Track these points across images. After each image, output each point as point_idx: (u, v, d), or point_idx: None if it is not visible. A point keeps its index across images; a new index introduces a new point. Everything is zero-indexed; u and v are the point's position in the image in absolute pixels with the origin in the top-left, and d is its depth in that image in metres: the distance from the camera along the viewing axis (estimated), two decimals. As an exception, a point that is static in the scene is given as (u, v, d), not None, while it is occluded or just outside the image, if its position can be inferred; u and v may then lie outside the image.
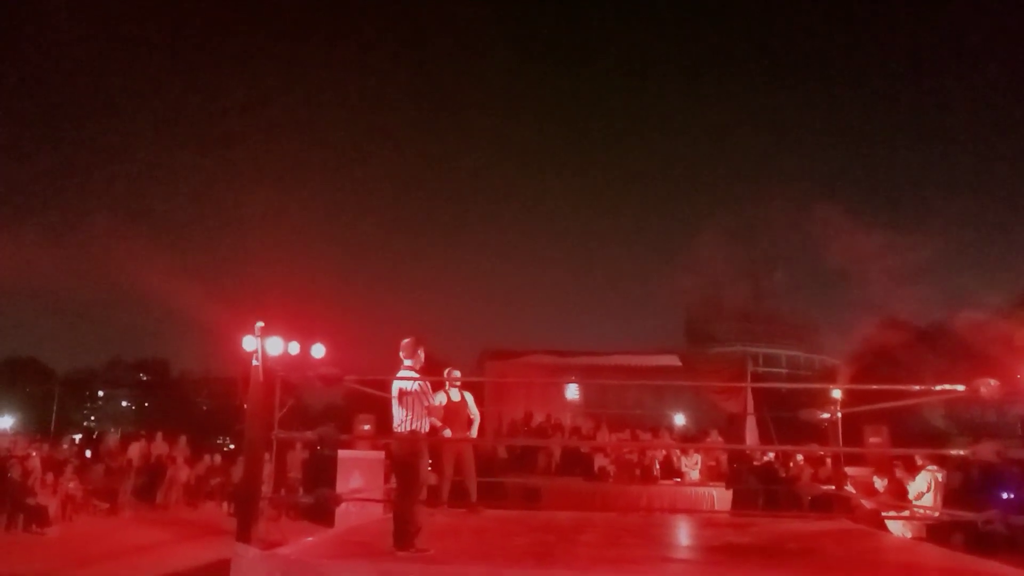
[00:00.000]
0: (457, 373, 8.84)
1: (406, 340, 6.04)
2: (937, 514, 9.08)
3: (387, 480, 12.37)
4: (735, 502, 12.51)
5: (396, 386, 5.94)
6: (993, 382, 5.46)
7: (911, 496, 9.27)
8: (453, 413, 8.60)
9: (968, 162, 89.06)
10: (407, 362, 6.00)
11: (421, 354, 6.05)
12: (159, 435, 16.92)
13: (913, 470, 9.72)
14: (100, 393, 60.87)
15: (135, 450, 15.71)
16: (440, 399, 8.54)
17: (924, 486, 9.23)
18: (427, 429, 5.95)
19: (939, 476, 9.30)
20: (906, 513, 9.24)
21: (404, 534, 5.53)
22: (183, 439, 16.91)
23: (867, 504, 9.13)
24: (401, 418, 5.85)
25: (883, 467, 10.15)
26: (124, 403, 59.71)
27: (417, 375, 5.93)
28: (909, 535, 8.75)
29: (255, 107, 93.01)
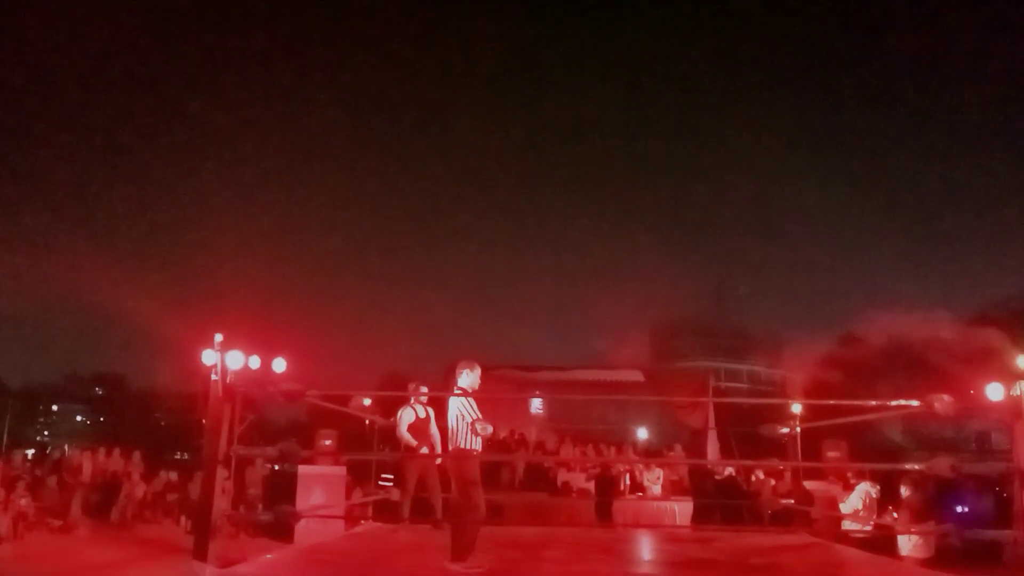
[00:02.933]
0: (424, 389, 8.83)
1: (461, 362, 6.22)
2: (869, 527, 9.18)
3: (349, 496, 12.25)
4: (695, 516, 12.58)
5: (449, 405, 6.08)
6: (947, 397, 5.57)
7: (847, 512, 9.38)
8: (420, 429, 8.58)
9: (927, 181, 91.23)
10: (460, 381, 6.15)
11: (472, 375, 6.19)
12: (116, 451, 16.58)
13: (848, 487, 9.85)
14: (55, 408, 59.55)
15: (88, 465, 15.36)
16: (409, 416, 8.54)
17: (859, 502, 9.35)
18: (479, 447, 6.03)
19: (872, 492, 9.42)
20: (867, 527, 9.35)
21: (460, 548, 5.62)
22: (137, 454, 16.58)
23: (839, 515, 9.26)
24: (453, 435, 5.97)
25: (846, 482, 10.26)
26: (79, 418, 58.43)
27: (461, 394, 6.04)
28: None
29: (214, 117, 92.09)
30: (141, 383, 53.10)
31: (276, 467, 14.73)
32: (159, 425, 48.64)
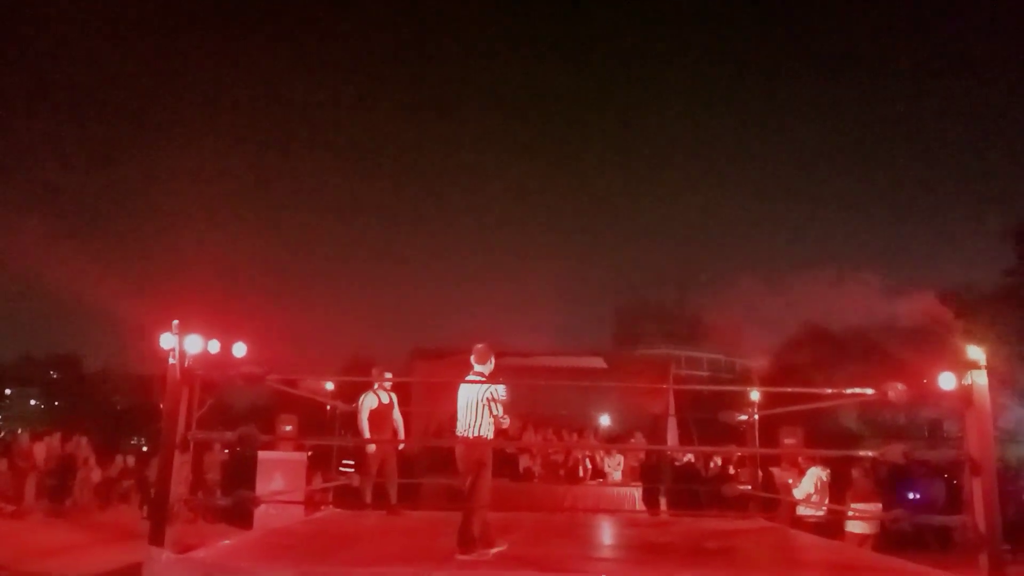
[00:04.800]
0: (388, 375, 8.81)
1: (479, 346, 6.14)
2: (822, 512, 9.40)
3: (309, 482, 12.18)
4: (645, 499, 12.68)
5: (465, 390, 5.99)
6: (901, 386, 5.68)
7: (800, 497, 9.60)
8: (383, 415, 8.56)
9: (885, 173, 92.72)
10: (478, 367, 6.08)
11: (492, 361, 6.13)
12: (74, 435, 16.31)
13: (800, 472, 10.07)
14: (7, 391, 58.35)
15: (42, 449, 15.08)
16: (371, 401, 8.51)
17: (811, 487, 9.57)
18: (492, 435, 5.98)
19: (823, 476, 9.64)
20: (820, 512, 9.55)
21: (468, 537, 5.59)
22: (84, 440, 16.32)
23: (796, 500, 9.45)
24: (470, 422, 5.89)
25: (800, 468, 10.47)
26: (33, 401, 57.28)
27: (484, 380, 5.99)
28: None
29: (173, 98, 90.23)
30: (97, 366, 52.14)
31: (240, 450, 14.59)
32: (115, 409, 47.79)
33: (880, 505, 9.62)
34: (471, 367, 6.17)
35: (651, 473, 13.10)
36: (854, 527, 8.98)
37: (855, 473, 9.55)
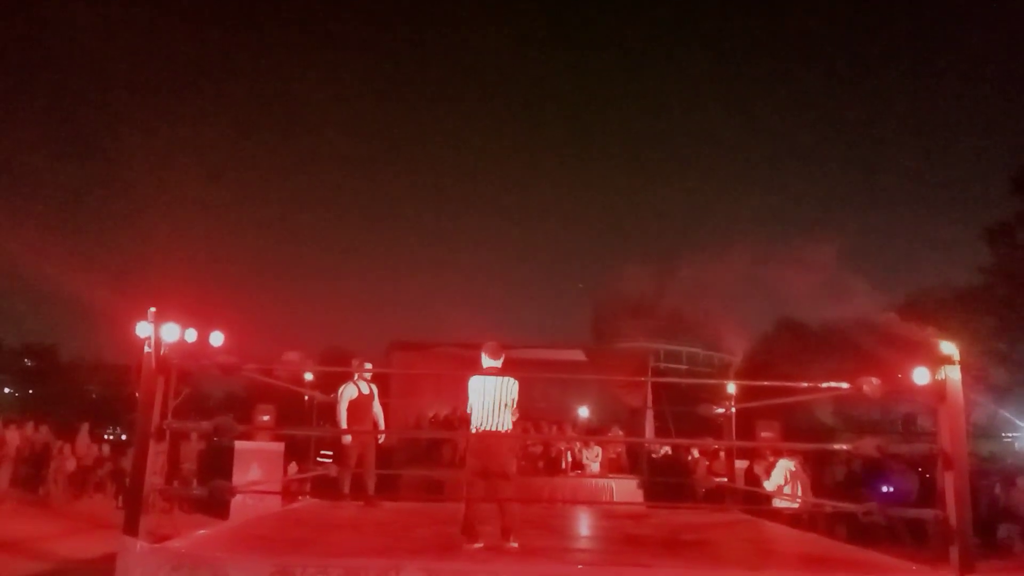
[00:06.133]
0: (368, 365, 8.80)
1: (491, 343, 6.19)
2: (797, 504, 9.52)
3: (285, 472, 12.13)
4: (646, 494, 12.74)
5: (485, 385, 6.01)
6: (875, 380, 5.74)
7: (771, 489, 9.71)
8: (362, 406, 8.55)
9: (859, 172, 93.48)
10: (491, 362, 6.11)
11: (503, 356, 6.18)
12: (45, 424, 16.19)
13: (770, 465, 10.20)
14: (-19, 379, 57.70)
15: (14, 437, 14.92)
16: (351, 392, 8.50)
17: (781, 479, 9.68)
18: (510, 427, 6.03)
19: (792, 467, 9.75)
20: (795, 504, 9.65)
21: (512, 525, 5.82)
22: (85, 427, 16.25)
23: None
24: (495, 419, 5.95)
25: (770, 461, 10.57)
26: (7, 390, 56.67)
27: (500, 373, 6.04)
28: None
29: (148, 86, 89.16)
30: (73, 355, 51.60)
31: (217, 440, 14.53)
32: (91, 398, 47.40)
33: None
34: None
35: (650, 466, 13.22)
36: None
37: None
